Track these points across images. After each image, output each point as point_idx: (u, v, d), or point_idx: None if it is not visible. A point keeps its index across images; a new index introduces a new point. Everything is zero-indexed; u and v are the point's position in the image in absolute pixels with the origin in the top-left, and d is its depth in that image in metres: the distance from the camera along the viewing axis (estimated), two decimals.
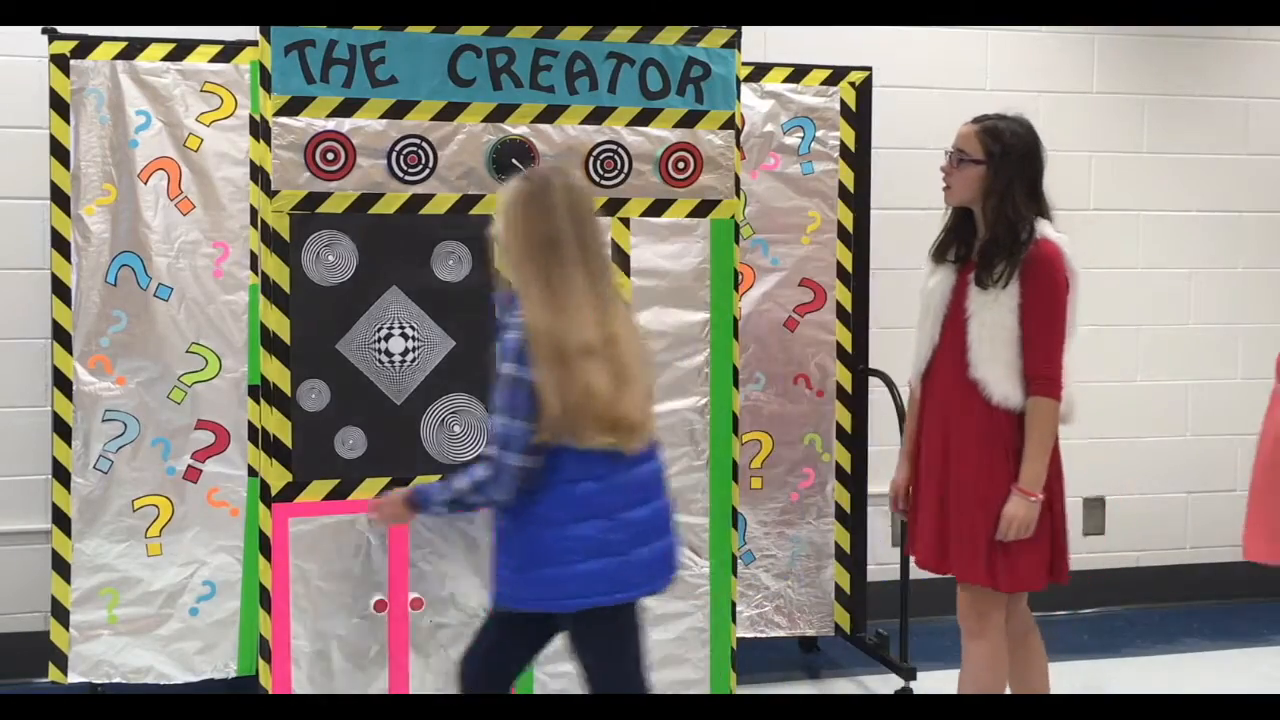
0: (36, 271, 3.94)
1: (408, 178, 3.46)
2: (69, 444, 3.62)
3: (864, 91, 4.12)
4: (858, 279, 4.19)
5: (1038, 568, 3.09)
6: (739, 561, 3.84)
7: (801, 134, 4.06)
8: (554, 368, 2.64)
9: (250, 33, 3.50)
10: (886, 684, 4.12)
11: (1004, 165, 3.10)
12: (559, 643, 3.62)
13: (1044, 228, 3.10)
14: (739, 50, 3.67)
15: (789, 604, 4.14)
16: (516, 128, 3.53)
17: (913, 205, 4.51)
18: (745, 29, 3.71)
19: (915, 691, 4.02)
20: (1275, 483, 3.02)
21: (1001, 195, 3.09)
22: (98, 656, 3.63)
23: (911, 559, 3.33)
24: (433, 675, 3.52)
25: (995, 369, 3.05)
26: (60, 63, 3.55)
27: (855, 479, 4.23)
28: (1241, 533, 3.10)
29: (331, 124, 3.40)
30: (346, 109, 3.41)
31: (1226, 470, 5.11)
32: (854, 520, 4.23)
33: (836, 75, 4.09)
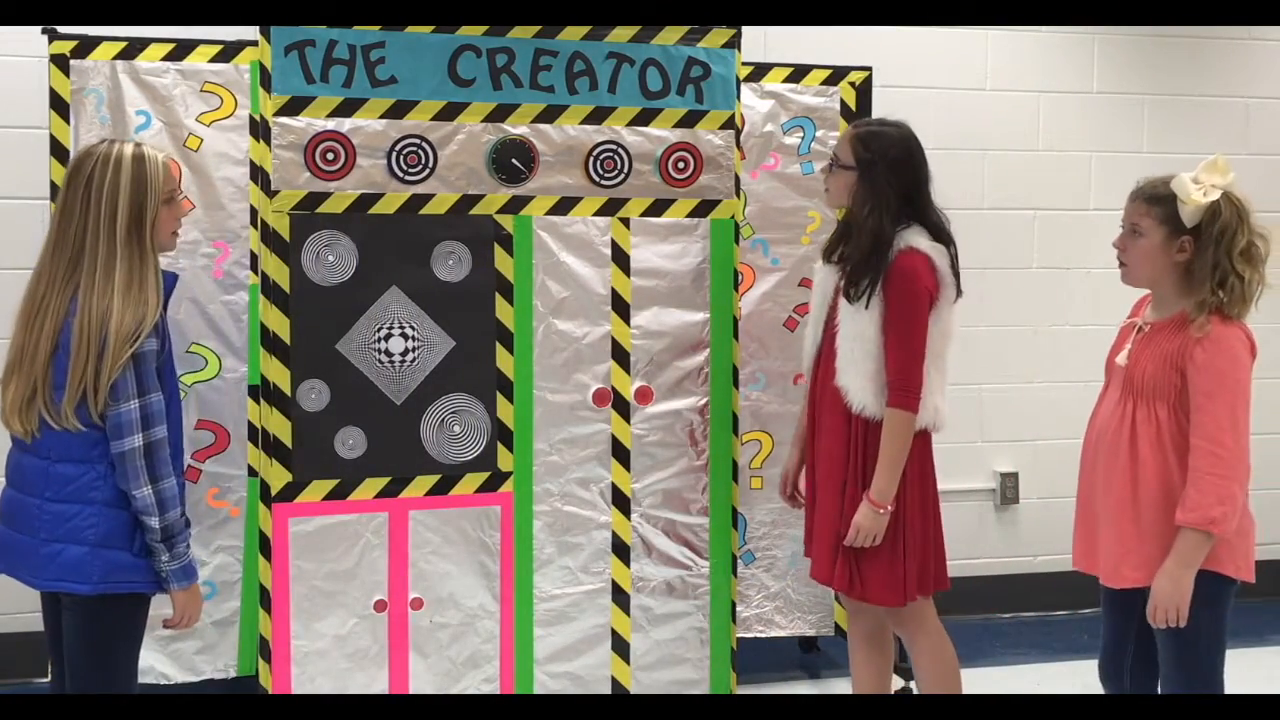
0: None
1: (408, 178, 3.46)
2: None
3: (864, 91, 4.11)
4: None
5: (889, 584, 3.10)
6: (739, 561, 3.84)
7: (801, 134, 4.06)
8: None
9: (250, 33, 3.50)
10: None
11: (873, 173, 3.11)
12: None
13: (915, 237, 3.09)
14: (739, 50, 3.67)
15: (789, 604, 4.14)
16: (516, 128, 3.53)
17: None
18: (745, 29, 3.71)
19: (915, 691, 4.01)
20: (1087, 495, 2.99)
21: (870, 205, 3.10)
22: None
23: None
24: (433, 675, 3.52)
25: (856, 379, 3.09)
26: (60, 63, 3.55)
27: None
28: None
29: (331, 124, 3.40)
30: (346, 109, 3.40)
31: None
32: None
33: (836, 75, 4.09)
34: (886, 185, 3.10)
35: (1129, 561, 2.81)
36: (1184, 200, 2.77)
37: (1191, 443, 2.72)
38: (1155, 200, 2.84)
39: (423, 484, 3.50)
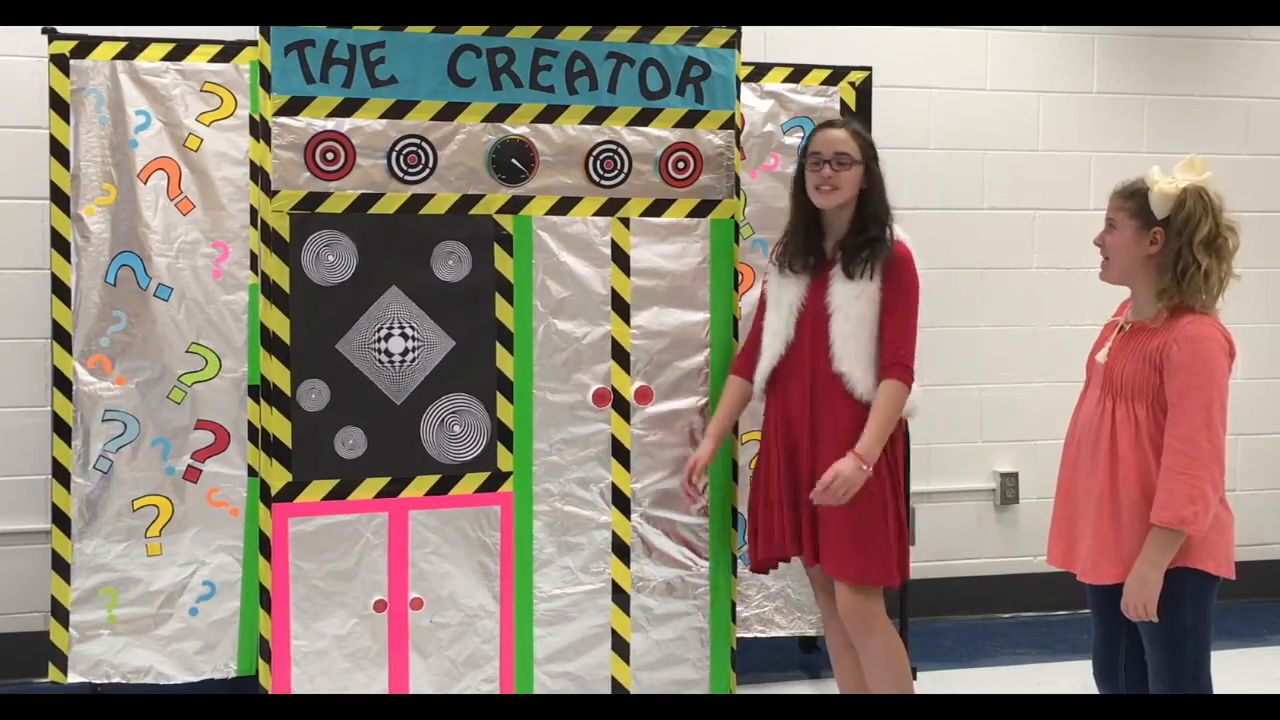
0: (36, 271, 3.93)
1: (408, 178, 3.46)
2: (69, 444, 3.61)
3: (864, 91, 4.11)
4: None
5: (891, 563, 3.21)
6: (739, 561, 3.84)
7: (801, 134, 4.05)
8: None
9: (250, 33, 3.50)
10: None
11: (873, 165, 3.28)
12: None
13: (897, 227, 3.29)
14: (739, 50, 3.68)
15: (789, 604, 4.13)
16: (516, 128, 3.53)
17: (912, 205, 4.50)
18: (745, 29, 3.72)
19: (915, 691, 4.01)
20: (1066, 493, 2.99)
21: (876, 193, 3.26)
22: (97, 656, 3.63)
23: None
24: (433, 675, 3.52)
25: (858, 364, 3.19)
26: (60, 63, 3.55)
27: None
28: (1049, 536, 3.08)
29: (331, 124, 3.40)
30: (346, 109, 3.41)
31: (1226, 471, 5.10)
32: None
33: (836, 75, 4.09)
34: (880, 175, 3.28)
35: (1107, 558, 2.81)
36: (1150, 187, 2.80)
37: (1165, 442, 2.73)
38: (1129, 195, 2.88)
39: (423, 484, 3.50)
